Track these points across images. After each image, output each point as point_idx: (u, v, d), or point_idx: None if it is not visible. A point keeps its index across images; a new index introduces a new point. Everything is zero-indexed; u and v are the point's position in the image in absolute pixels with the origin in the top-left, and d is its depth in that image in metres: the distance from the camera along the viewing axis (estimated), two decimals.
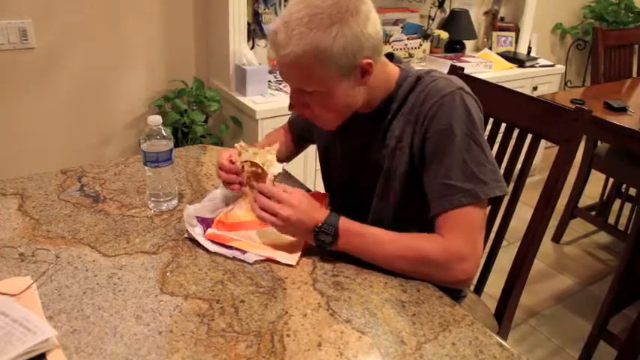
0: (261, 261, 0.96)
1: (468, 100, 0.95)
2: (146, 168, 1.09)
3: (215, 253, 0.98)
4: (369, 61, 0.93)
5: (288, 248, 0.98)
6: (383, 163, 1.05)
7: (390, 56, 1.09)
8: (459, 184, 0.92)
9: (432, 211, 0.96)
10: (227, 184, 1.09)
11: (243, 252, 0.98)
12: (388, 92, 1.02)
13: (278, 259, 0.96)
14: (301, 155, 1.39)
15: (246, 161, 1.04)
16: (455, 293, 1.12)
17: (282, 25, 0.90)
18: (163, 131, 1.08)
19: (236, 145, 1.06)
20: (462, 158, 0.93)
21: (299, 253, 0.97)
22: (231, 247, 0.99)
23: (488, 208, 1.29)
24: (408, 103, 1.01)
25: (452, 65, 1.44)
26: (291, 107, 1.01)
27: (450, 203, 0.93)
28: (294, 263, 0.95)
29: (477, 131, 0.94)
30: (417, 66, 2.65)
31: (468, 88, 0.98)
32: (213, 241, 1.00)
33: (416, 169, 1.00)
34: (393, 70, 1.03)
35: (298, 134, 1.31)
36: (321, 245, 0.95)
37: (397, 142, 1.02)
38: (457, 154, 0.93)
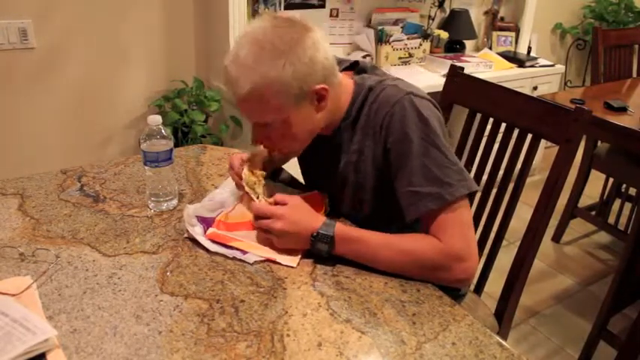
0: (262, 261, 0.96)
1: (418, 103, 0.95)
2: (146, 168, 1.09)
3: (215, 253, 0.97)
4: (324, 86, 0.94)
5: (289, 250, 0.98)
6: (348, 177, 1.06)
7: (355, 64, 1.09)
8: (423, 189, 0.93)
9: (406, 218, 0.96)
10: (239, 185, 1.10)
11: (244, 252, 0.98)
12: (345, 109, 1.03)
13: (279, 261, 0.96)
14: None
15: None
16: (454, 292, 1.12)
17: (231, 63, 0.92)
18: (163, 131, 1.08)
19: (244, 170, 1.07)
20: (421, 163, 0.93)
21: (299, 255, 0.97)
22: (231, 247, 0.99)
23: (488, 208, 1.29)
24: (362, 116, 1.02)
25: (452, 65, 1.43)
26: (254, 142, 1.02)
27: (418, 210, 0.93)
28: (294, 265, 0.95)
29: (434, 133, 0.94)
30: (417, 66, 2.66)
31: (418, 91, 0.98)
32: (213, 241, 1.00)
33: (385, 180, 1.00)
34: (348, 85, 1.03)
35: None
36: (318, 253, 0.96)
37: (359, 156, 1.03)
38: (416, 159, 0.93)
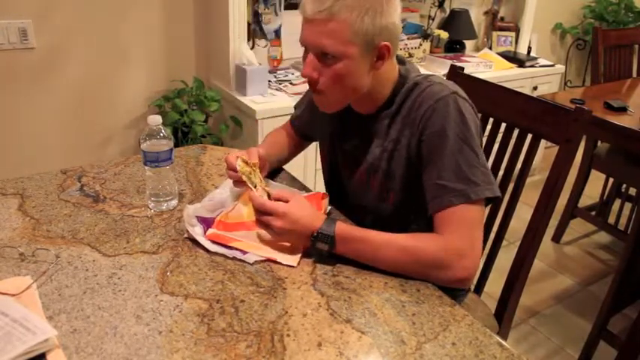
0: (262, 261, 0.96)
1: (461, 103, 0.97)
2: (146, 168, 1.09)
3: (215, 253, 0.97)
4: (388, 44, 0.96)
5: (289, 249, 0.98)
6: (380, 164, 1.06)
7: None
8: (450, 184, 0.94)
9: (429, 211, 0.97)
10: (236, 181, 1.10)
11: (244, 252, 0.98)
12: (387, 94, 1.04)
13: (279, 260, 0.96)
14: (301, 155, 1.39)
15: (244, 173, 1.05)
16: (454, 292, 1.12)
17: None
18: (163, 131, 1.08)
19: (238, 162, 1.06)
20: (454, 160, 0.94)
21: (299, 255, 0.97)
22: (231, 247, 0.99)
23: (488, 208, 1.29)
24: (404, 107, 1.03)
25: (452, 65, 1.43)
26: (303, 72, 1.01)
27: (442, 203, 0.94)
28: (294, 264, 0.95)
29: (470, 134, 0.96)
30: (417, 66, 2.66)
31: (463, 93, 1.00)
32: (213, 241, 1.00)
33: (414, 170, 1.02)
34: (395, 71, 1.05)
35: (300, 131, 1.32)
36: (319, 253, 0.96)
37: (395, 145, 1.04)
38: (449, 155, 0.95)
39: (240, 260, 0.96)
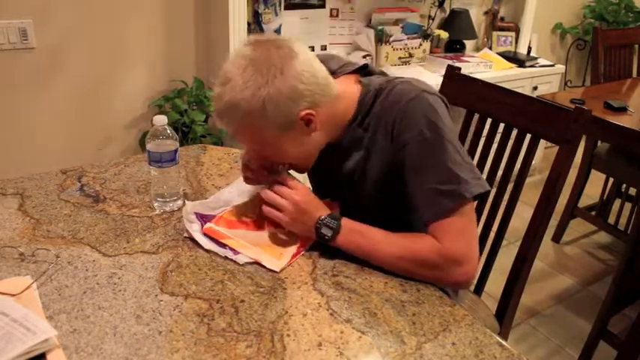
0: (250, 263, 0.96)
1: (433, 101, 0.94)
2: (151, 168, 1.09)
3: (215, 253, 0.97)
4: (309, 111, 0.93)
5: (277, 255, 0.98)
6: (356, 173, 1.04)
7: (364, 67, 1.07)
8: (442, 187, 0.92)
9: (422, 219, 0.95)
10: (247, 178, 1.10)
11: (236, 252, 0.97)
12: (349, 118, 1.01)
13: (263, 263, 0.95)
14: None
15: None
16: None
17: (217, 99, 0.93)
18: (169, 131, 1.08)
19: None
20: (439, 162, 0.92)
21: (286, 262, 0.96)
22: (224, 246, 0.99)
23: (487, 208, 1.29)
24: (372, 114, 1.00)
25: (448, 65, 1.43)
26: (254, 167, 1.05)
27: (439, 209, 0.92)
28: (278, 270, 0.94)
29: (448, 131, 0.94)
30: (417, 66, 2.66)
31: (431, 89, 0.97)
32: (208, 236, 1.00)
33: (390, 176, 0.99)
34: (353, 94, 1.01)
35: None
36: (321, 239, 0.96)
37: (367, 153, 1.01)
38: (433, 158, 0.93)
39: (232, 260, 0.96)
